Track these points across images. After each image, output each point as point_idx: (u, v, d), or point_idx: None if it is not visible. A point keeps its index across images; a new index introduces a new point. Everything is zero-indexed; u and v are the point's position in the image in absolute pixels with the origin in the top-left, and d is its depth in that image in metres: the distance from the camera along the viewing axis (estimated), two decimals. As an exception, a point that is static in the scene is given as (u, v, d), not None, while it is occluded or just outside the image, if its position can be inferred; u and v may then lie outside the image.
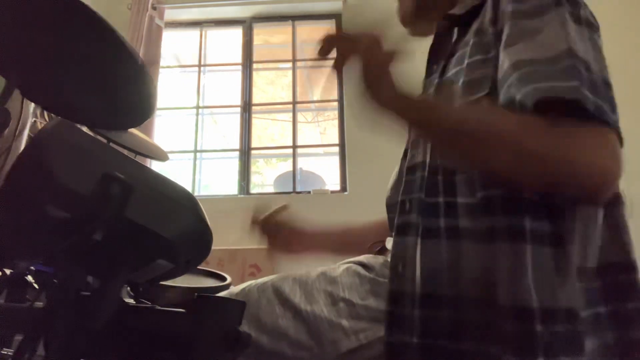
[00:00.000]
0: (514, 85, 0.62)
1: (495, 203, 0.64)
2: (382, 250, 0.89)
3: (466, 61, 0.73)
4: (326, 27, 3.94)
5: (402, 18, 0.96)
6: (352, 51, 0.66)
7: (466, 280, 0.64)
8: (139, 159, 1.92)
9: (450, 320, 0.64)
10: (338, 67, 0.67)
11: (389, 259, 0.78)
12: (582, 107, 0.58)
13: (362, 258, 0.80)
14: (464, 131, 0.63)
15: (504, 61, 0.66)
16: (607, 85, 0.63)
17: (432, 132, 0.66)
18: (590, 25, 0.68)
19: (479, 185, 0.66)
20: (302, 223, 1.03)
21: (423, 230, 0.69)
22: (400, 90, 0.64)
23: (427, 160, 0.73)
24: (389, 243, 0.87)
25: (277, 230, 1.00)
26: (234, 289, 0.79)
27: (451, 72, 0.76)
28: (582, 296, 0.62)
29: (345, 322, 0.69)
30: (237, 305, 0.64)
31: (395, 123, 0.66)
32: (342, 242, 1.06)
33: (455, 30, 0.82)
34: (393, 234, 0.76)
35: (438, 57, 0.84)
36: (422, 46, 0.90)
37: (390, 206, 0.92)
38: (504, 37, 0.68)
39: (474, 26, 0.76)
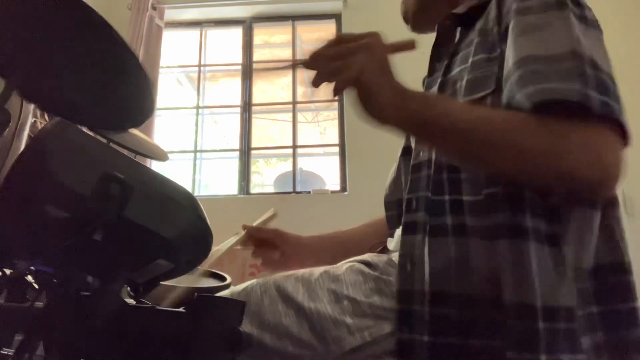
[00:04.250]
0: (516, 84, 0.63)
1: (498, 200, 0.65)
2: (384, 251, 0.89)
3: (470, 60, 0.73)
4: (326, 27, 3.94)
5: (405, 15, 0.96)
6: (348, 53, 0.63)
7: (474, 277, 0.65)
8: (139, 159, 1.92)
9: (459, 318, 0.64)
10: (339, 86, 0.63)
11: (392, 258, 0.79)
12: (586, 107, 0.58)
13: (366, 256, 0.80)
14: (463, 132, 0.63)
15: (508, 58, 0.66)
16: (615, 84, 0.62)
17: (433, 134, 0.66)
18: (595, 26, 0.68)
19: (484, 182, 0.67)
20: (294, 239, 1.02)
21: (431, 229, 0.70)
22: (400, 90, 0.64)
23: (433, 157, 0.73)
24: (390, 243, 0.86)
25: (270, 250, 0.99)
26: (236, 288, 0.79)
27: (455, 70, 0.76)
28: (577, 296, 0.62)
29: (349, 320, 0.69)
30: (237, 305, 0.64)
31: (397, 129, 0.66)
32: (338, 249, 1.06)
33: (458, 29, 0.82)
34: (400, 232, 0.76)
35: (441, 55, 0.84)
36: (426, 43, 0.91)
37: (388, 204, 0.92)
38: (509, 33, 0.68)
39: (478, 25, 0.77)
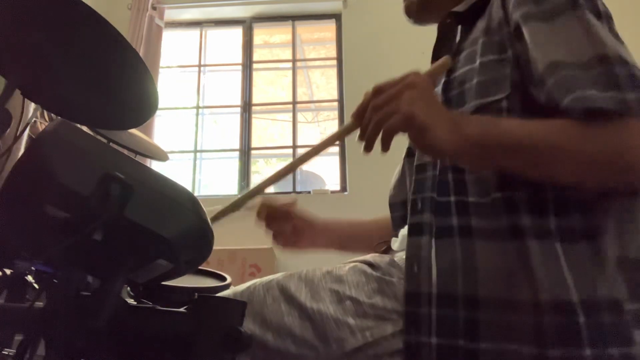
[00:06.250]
0: (554, 91, 0.63)
1: (518, 203, 0.65)
2: (388, 250, 0.89)
3: (478, 60, 0.73)
4: (326, 27, 3.95)
5: (407, 8, 0.96)
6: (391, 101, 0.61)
7: (483, 279, 0.64)
8: (139, 159, 1.92)
9: (467, 320, 0.64)
10: (388, 134, 0.61)
11: (395, 259, 0.78)
12: (628, 113, 0.58)
13: (369, 257, 0.80)
14: (527, 148, 0.63)
15: (536, 64, 0.65)
16: None
17: (495, 154, 0.64)
18: (608, 17, 0.68)
19: (497, 185, 0.66)
20: (309, 216, 1.02)
21: (437, 230, 0.69)
22: (455, 118, 0.64)
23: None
24: (395, 243, 0.86)
25: (283, 223, 0.99)
26: (238, 288, 0.79)
27: (460, 70, 0.76)
28: (625, 287, 0.62)
29: (351, 320, 0.69)
30: (238, 305, 0.64)
31: (458, 157, 0.66)
32: (348, 236, 1.06)
33: (459, 28, 0.82)
34: (405, 232, 0.75)
35: (443, 54, 0.84)
36: (426, 43, 0.91)
37: (393, 205, 0.91)
38: (528, 40, 0.67)
39: (480, 24, 0.76)
